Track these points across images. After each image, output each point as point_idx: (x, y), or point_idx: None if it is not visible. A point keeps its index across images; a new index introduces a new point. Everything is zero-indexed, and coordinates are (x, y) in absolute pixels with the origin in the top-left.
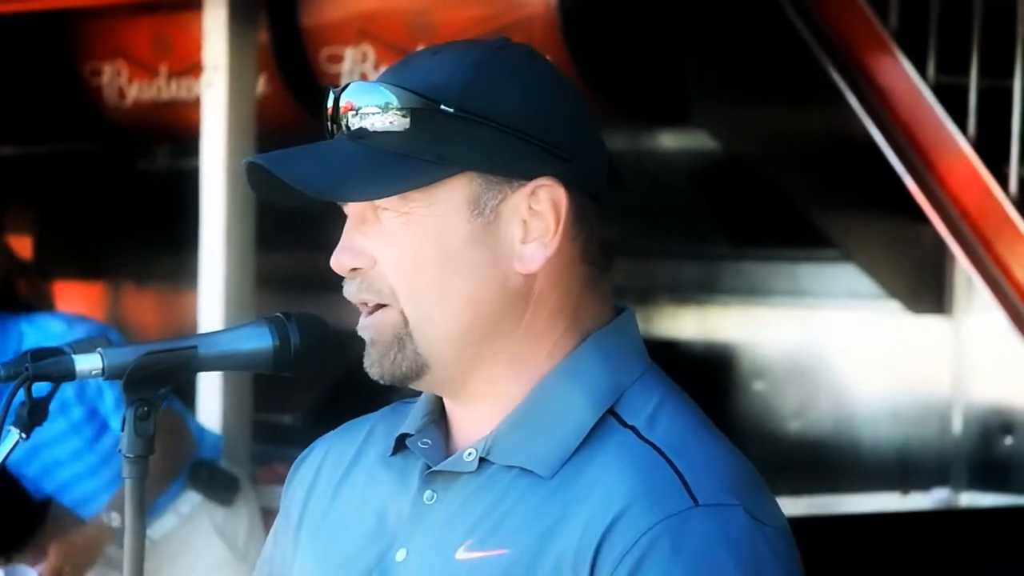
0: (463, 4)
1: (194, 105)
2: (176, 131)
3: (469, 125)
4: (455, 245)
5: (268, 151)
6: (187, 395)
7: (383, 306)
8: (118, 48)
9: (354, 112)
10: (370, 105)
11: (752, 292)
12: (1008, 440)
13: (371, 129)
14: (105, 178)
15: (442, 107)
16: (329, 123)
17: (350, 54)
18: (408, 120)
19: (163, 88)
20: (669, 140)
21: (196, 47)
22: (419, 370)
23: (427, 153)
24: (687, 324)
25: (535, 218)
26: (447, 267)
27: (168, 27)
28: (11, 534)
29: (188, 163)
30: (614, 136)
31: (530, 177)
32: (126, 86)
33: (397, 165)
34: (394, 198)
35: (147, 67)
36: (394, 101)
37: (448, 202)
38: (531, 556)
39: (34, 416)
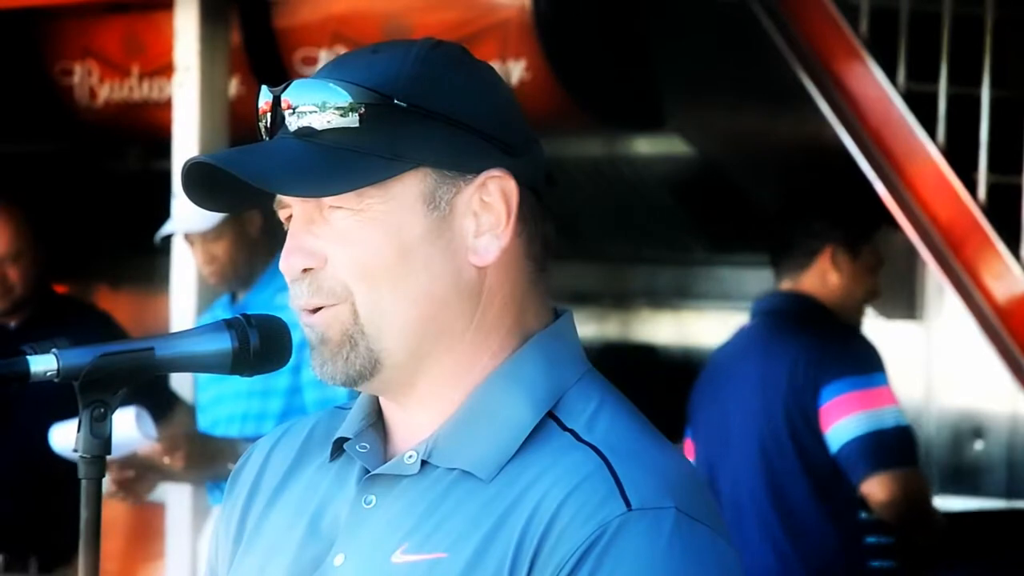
0: (438, 8)
1: (166, 106)
2: (148, 132)
3: (422, 120)
4: (412, 240)
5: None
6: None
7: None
8: (89, 48)
9: (292, 111)
10: (318, 102)
11: (727, 297)
12: (978, 444)
13: (319, 127)
14: (76, 179)
15: (396, 102)
16: (266, 122)
17: (324, 56)
18: (360, 116)
19: (135, 88)
20: (644, 145)
21: (168, 47)
22: (372, 368)
23: (381, 149)
24: (663, 329)
25: (485, 210)
26: (405, 262)
27: (139, 27)
28: None
29: (160, 164)
30: (589, 141)
31: (480, 170)
32: (97, 86)
33: (352, 162)
34: (350, 196)
35: (118, 67)
36: (345, 97)
37: (404, 197)
38: (468, 561)
39: None
